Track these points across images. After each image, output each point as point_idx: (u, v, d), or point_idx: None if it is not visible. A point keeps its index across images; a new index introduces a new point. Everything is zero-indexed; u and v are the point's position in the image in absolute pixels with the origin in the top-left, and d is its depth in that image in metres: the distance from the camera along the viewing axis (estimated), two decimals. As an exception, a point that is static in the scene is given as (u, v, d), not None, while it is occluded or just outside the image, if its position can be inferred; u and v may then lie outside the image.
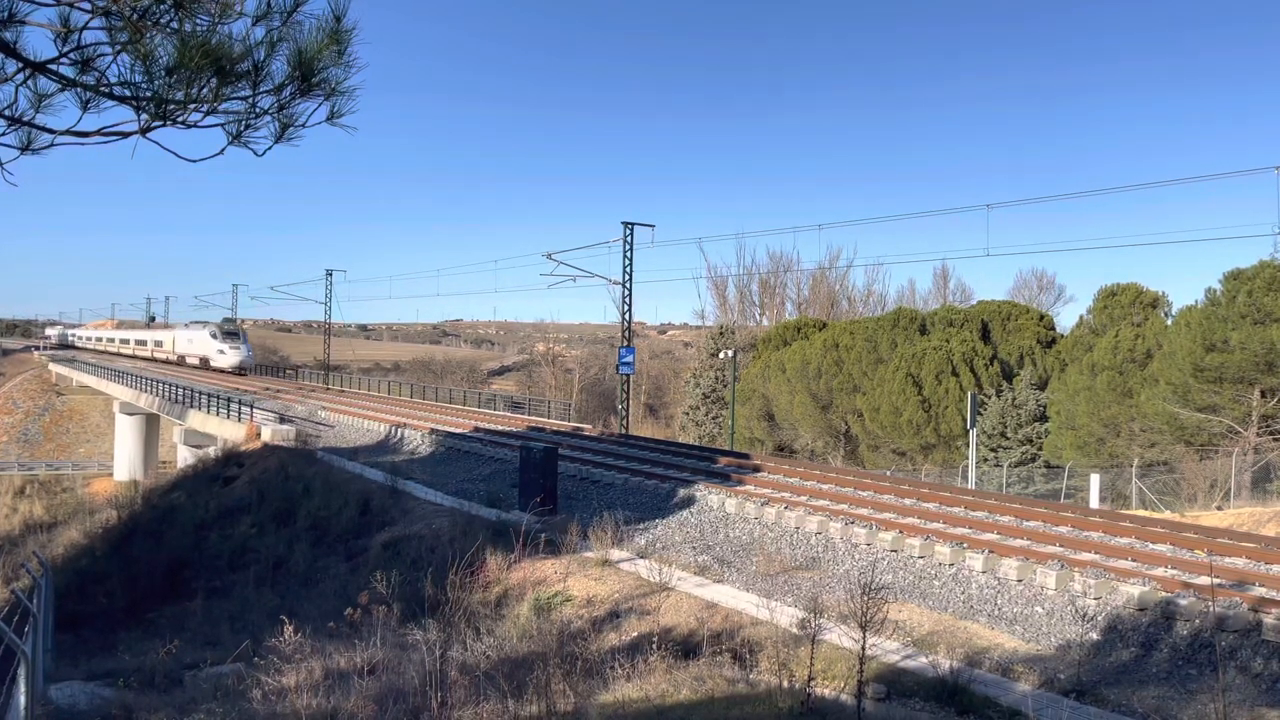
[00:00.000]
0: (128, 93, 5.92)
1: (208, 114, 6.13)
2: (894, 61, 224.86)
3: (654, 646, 11.22)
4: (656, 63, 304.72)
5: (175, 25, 5.64)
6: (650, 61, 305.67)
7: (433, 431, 33.32)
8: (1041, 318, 51.39)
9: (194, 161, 6.40)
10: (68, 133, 5.91)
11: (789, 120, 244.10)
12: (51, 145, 6.00)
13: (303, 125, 6.35)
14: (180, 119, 6.10)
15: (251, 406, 40.40)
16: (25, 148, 6.00)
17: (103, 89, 5.83)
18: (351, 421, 38.90)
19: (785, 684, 9.57)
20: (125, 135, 6.08)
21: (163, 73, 5.75)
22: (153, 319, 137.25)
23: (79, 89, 5.84)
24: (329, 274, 76.09)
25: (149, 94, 5.90)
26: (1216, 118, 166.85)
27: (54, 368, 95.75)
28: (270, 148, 6.39)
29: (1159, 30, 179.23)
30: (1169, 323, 43.54)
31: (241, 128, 6.26)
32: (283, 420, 38.82)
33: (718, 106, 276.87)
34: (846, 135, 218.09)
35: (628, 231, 46.02)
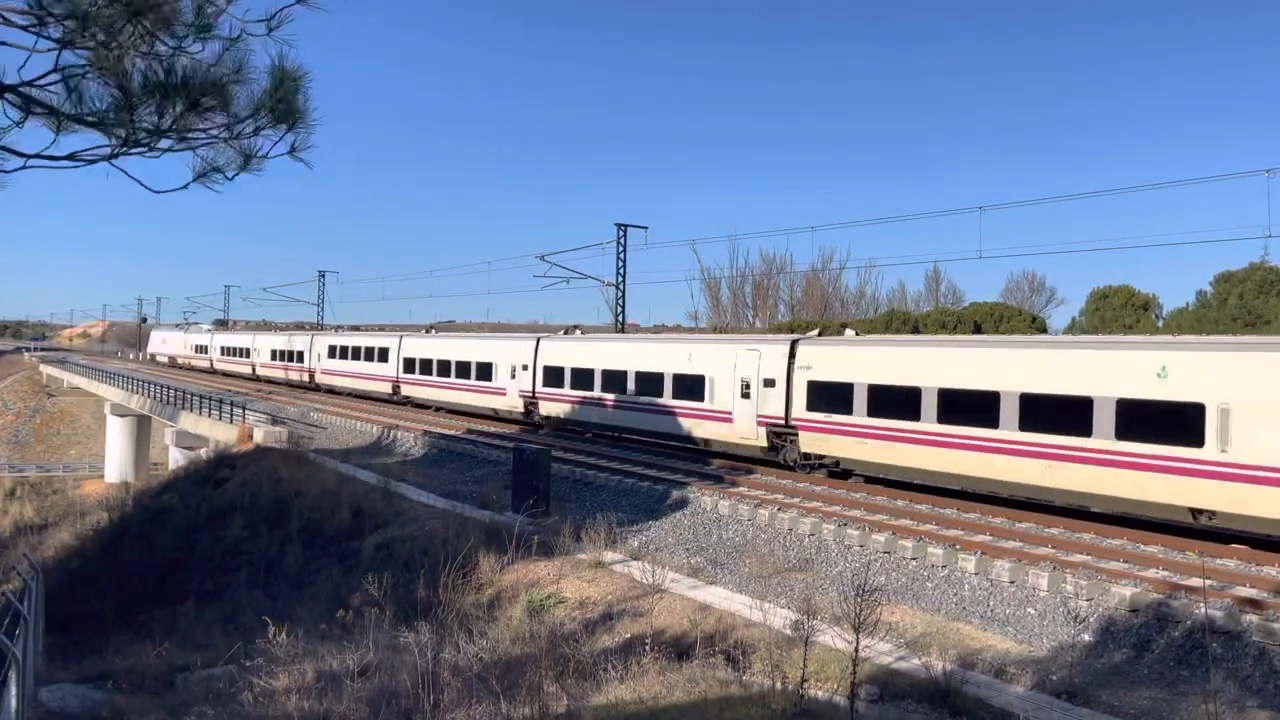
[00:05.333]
0: (95, 119, 5.97)
1: (176, 142, 6.24)
2: (888, 64, 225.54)
3: (647, 648, 11.22)
4: (650, 65, 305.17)
5: (142, 48, 5.73)
6: (644, 64, 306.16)
7: (425, 433, 33.27)
8: (1034, 320, 51.53)
9: (158, 192, 6.55)
10: (39, 156, 5.94)
11: (782, 123, 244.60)
12: (24, 168, 6.01)
13: (264, 157, 6.53)
14: (148, 144, 6.16)
15: (244, 408, 40.29)
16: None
17: (66, 114, 5.89)
18: (344, 423, 38.84)
19: (779, 685, 9.57)
20: (94, 161, 6.13)
21: (118, 99, 5.81)
22: (143, 320, 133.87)
23: (56, 116, 5.88)
24: (322, 275, 75.94)
25: (115, 121, 5.94)
26: (1208, 121, 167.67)
27: (45, 369, 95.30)
28: (234, 176, 6.58)
29: (1151, 34, 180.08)
30: (1160, 324, 43.72)
31: (207, 169, 6.43)
32: (275, 422, 38.73)
33: (712, 109, 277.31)
34: (840, 137, 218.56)
35: (621, 233, 46.10)
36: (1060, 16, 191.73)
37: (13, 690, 9.61)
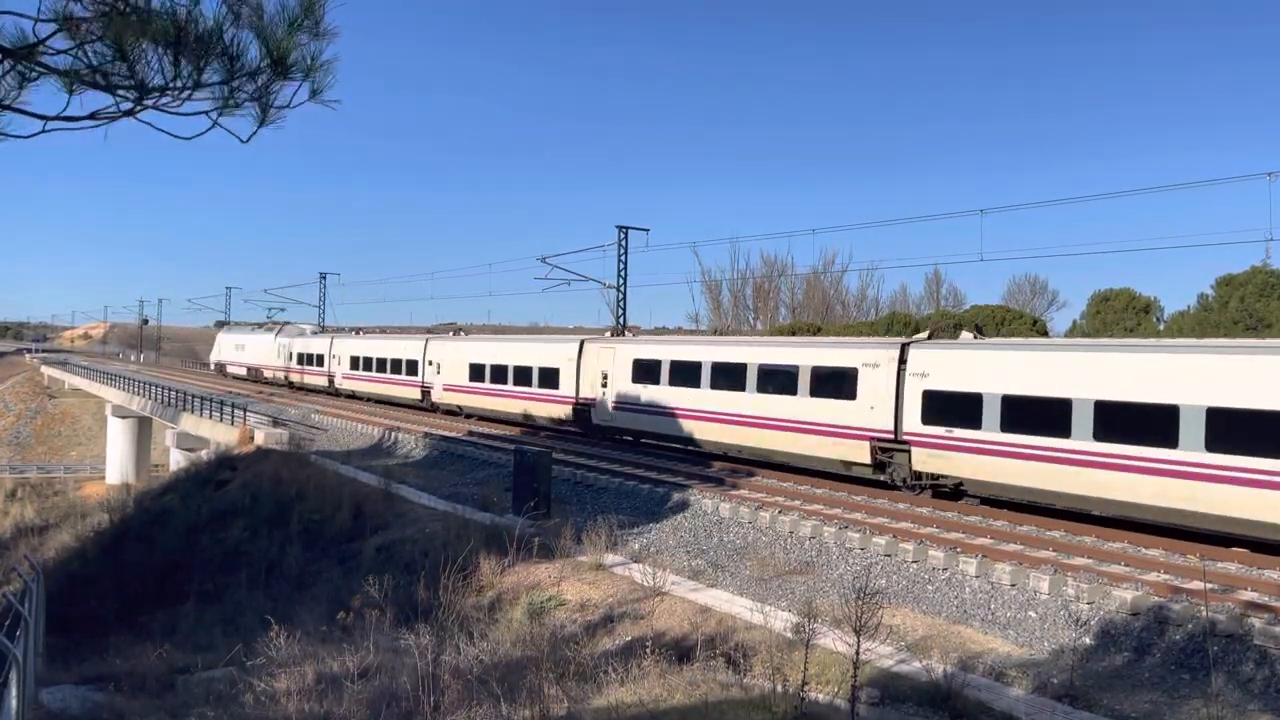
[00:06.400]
0: (112, 80, 5.88)
1: (192, 93, 6.12)
2: (889, 68, 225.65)
3: (648, 650, 11.21)
4: (652, 69, 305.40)
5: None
6: (646, 67, 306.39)
7: (426, 435, 33.28)
8: (1035, 322, 51.47)
9: (187, 139, 6.41)
10: (58, 118, 5.88)
11: (783, 126, 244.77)
12: (43, 131, 5.96)
13: (287, 106, 6.37)
14: (163, 104, 6.07)
15: (245, 410, 40.30)
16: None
17: (85, 76, 5.80)
18: (345, 425, 38.85)
19: (779, 688, 9.56)
20: (114, 119, 6.06)
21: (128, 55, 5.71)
22: (145, 321, 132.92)
23: (67, 77, 5.79)
24: (323, 277, 75.68)
25: (130, 79, 5.86)
26: (1209, 123, 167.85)
27: (46, 370, 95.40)
28: (256, 132, 6.40)
29: (1152, 36, 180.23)
30: (1161, 327, 43.72)
31: (224, 104, 6.26)
32: (276, 423, 38.74)
33: (713, 111, 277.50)
34: (841, 141, 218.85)
35: (622, 235, 46.08)
36: (1061, 20, 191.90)
37: (13, 691, 9.61)
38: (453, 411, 40.71)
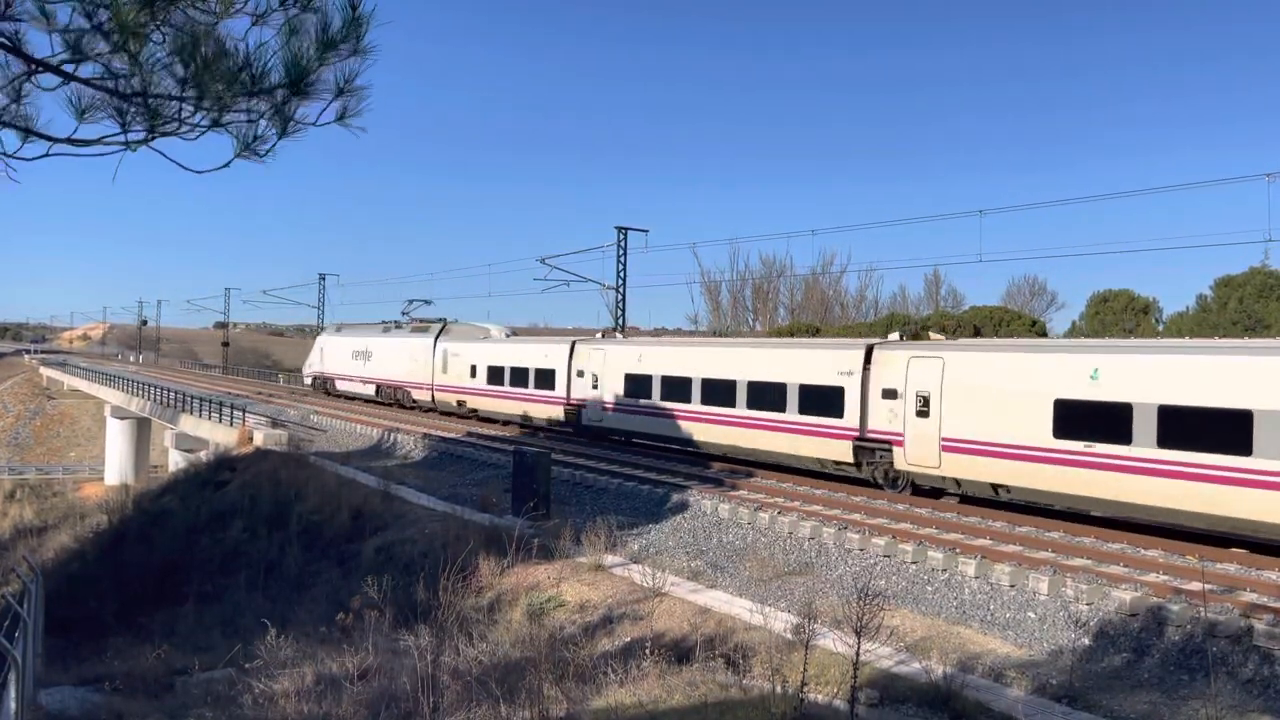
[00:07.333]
0: (126, 103, 5.75)
1: (212, 126, 5.95)
2: (889, 69, 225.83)
3: (647, 651, 11.20)
4: (652, 69, 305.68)
5: (173, 22, 5.52)
6: (645, 69, 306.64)
7: (426, 436, 33.25)
8: (1034, 323, 51.48)
9: (200, 173, 6.24)
10: (66, 141, 5.75)
11: (783, 126, 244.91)
12: (47, 155, 5.84)
13: (312, 124, 6.14)
14: (181, 131, 5.92)
15: (244, 411, 40.27)
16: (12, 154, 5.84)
17: (99, 85, 5.68)
18: (344, 426, 38.81)
19: (779, 689, 9.56)
20: (126, 145, 5.88)
21: (154, 78, 5.60)
22: (144, 322, 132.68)
23: (78, 84, 5.68)
24: (322, 277, 75.77)
25: (143, 104, 5.72)
26: (1209, 125, 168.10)
27: (45, 371, 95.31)
28: (272, 148, 6.19)
29: (1151, 37, 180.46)
30: (1160, 328, 43.75)
31: (251, 139, 6.05)
32: (276, 424, 38.72)
33: (713, 111, 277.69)
34: (841, 142, 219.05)
35: (621, 236, 46.17)
36: (1061, 21, 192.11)
37: (12, 693, 9.61)
38: (983, 502, 19.79)
